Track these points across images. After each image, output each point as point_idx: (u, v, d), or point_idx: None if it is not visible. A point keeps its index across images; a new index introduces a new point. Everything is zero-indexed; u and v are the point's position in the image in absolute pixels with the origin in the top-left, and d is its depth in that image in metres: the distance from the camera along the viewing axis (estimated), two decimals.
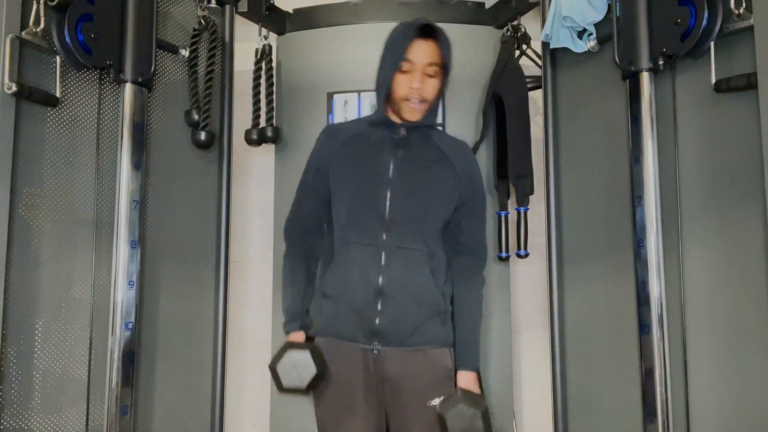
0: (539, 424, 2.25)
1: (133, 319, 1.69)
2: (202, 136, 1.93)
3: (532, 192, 2.06)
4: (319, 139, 1.69)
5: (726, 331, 1.49)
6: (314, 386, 1.53)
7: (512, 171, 2.05)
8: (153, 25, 1.76)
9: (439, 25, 1.70)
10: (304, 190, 1.69)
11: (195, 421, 1.94)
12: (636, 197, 1.62)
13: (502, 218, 2.10)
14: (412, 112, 1.57)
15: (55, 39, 1.59)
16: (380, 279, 1.52)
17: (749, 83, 1.42)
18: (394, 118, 1.61)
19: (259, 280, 2.38)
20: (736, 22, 1.46)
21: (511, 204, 2.11)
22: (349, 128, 1.68)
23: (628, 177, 1.66)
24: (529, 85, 2.11)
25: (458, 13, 2.20)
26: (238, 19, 2.14)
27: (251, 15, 2.15)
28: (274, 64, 2.22)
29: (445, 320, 1.59)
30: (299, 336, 1.62)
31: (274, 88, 2.21)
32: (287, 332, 1.64)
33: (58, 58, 1.60)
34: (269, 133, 2.18)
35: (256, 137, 2.18)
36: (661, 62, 1.58)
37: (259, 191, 2.46)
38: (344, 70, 2.16)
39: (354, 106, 2.16)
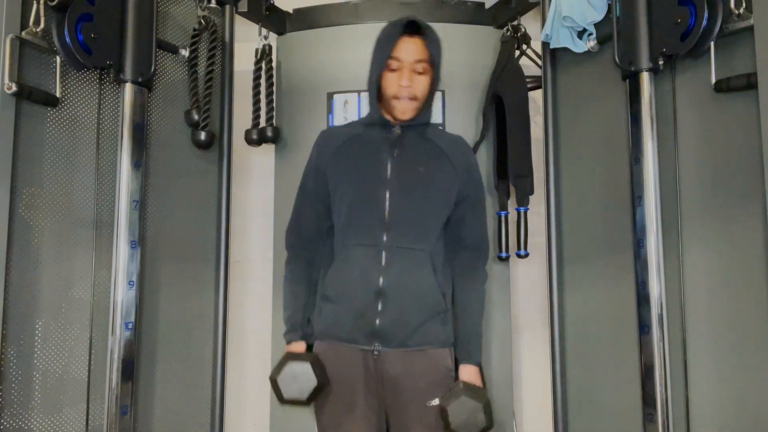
0: (539, 424, 2.25)
1: (133, 319, 1.69)
2: (202, 136, 1.93)
3: (532, 192, 2.06)
4: (315, 144, 1.69)
5: (726, 331, 1.49)
6: (315, 398, 1.53)
7: (512, 171, 2.05)
8: (153, 25, 1.76)
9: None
10: (304, 197, 1.69)
11: (195, 421, 1.94)
12: (636, 197, 1.62)
13: (502, 218, 2.10)
14: (404, 111, 1.57)
15: (55, 39, 1.59)
16: (381, 280, 1.52)
17: (749, 83, 1.42)
18: (389, 118, 1.61)
19: (259, 280, 2.38)
20: (736, 22, 1.46)
21: (511, 204, 2.11)
22: (345, 131, 1.68)
23: (628, 177, 1.66)
24: (529, 85, 2.12)
25: (458, 13, 2.20)
26: (238, 19, 2.14)
27: (251, 15, 2.15)
28: (274, 64, 2.22)
29: (446, 320, 1.59)
30: (300, 346, 1.62)
31: (274, 88, 2.21)
32: (288, 342, 1.63)
33: (58, 58, 1.60)
34: (269, 133, 2.18)
35: (256, 137, 2.18)
36: (661, 62, 1.58)
37: (259, 191, 2.46)
38: (344, 70, 2.16)
39: (354, 106, 2.16)
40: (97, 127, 1.70)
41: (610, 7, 1.72)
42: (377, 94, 1.60)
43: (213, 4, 2.03)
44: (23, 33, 1.52)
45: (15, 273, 1.51)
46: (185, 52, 1.94)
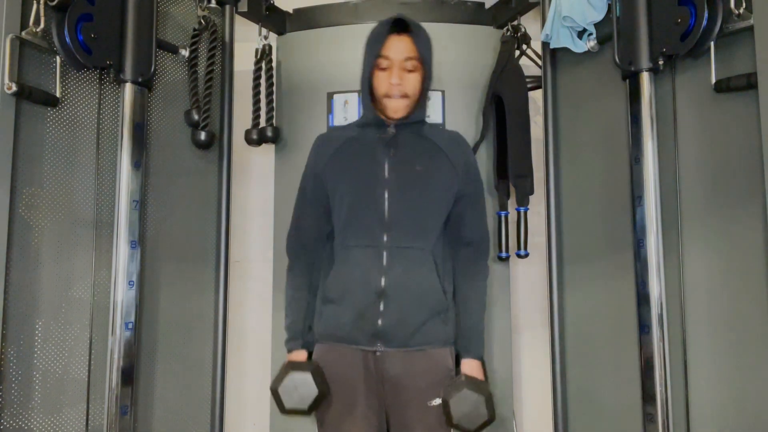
0: (539, 424, 2.25)
1: (133, 319, 1.69)
2: (202, 136, 1.93)
3: (532, 192, 2.06)
4: (312, 149, 1.69)
5: (726, 331, 1.49)
6: (316, 407, 1.53)
7: (512, 171, 2.05)
8: (153, 25, 1.77)
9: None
10: (303, 202, 1.69)
11: (195, 421, 1.94)
12: (636, 197, 1.62)
13: (502, 218, 2.10)
14: (395, 109, 1.57)
15: (55, 39, 1.59)
16: (382, 280, 1.52)
17: (749, 83, 1.42)
18: (383, 118, 1.61)
19: (259, 280, 2.38)
20: (736, 22, 1.46)
21: (511, 204, 2.11)
22: (341, 134, 1.68)
23: (628, 177, 1.66)
24: (529, 85, 2.12)
25: (458, 13, 2.20)
26: (238, 19, 2.14)
27: (251, 15, 2.15)
28: (274, 64, 2.22)
29: (447, 319, 1.58)
30: (301, 355, 1.61)
31: (274, 88, 2.21)
32: (289, 350, 1.63)
33: (58, 58, 1.60)
34: (269, 133, 2.18)
35: (256, 137, 2.18)
36: (661, 62, 1.58)
37: (259, 191, 2.46)
38: (344, 70, 2.16)
39: (354, 106, 2.16)
40: (97, 127, 1.70)
41: (610, 7, 1.72)
42: (370, 95, 1.60)
43: (213, 4, 2.03)
44: (23, 33, 1.52)
45: (15, 273, 1.51)
46: (185, 52, 1.94)
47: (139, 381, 1.75)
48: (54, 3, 1.55)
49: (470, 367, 1.57)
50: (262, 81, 2.20)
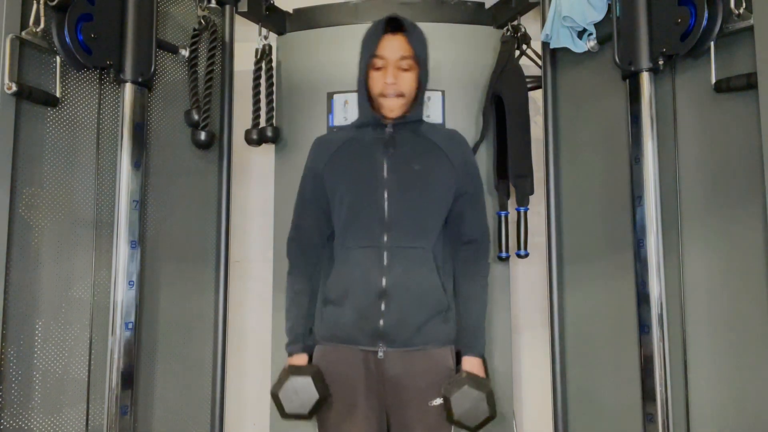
0: (539, 424, 2.25)
1: (133, 319, 1.69)
2: (202, 136, 1.93)
3: (532, 192, 2.06)
4: (311, 152, 1.70)
5: (726, 331, 1.49)
6: (316, 411, 1.53)
7: (512, 171, 2.04)
8: (153, 25, 1.77)
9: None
10: (303, 205, 1.69)
11: (195, 421, 1.94)
12: (636, 197, 1.62)
13: (502, 218, 2.10)
14: (391, 108, 1.58)
15: (55, 39, 1.59)
16: (383, 280, 1.52)
17: (749, 83, 1.42)
18: (380, 118, 1.61)
19: (259, 280, 2.38)
20: (736, 22, 1.46)
21: (511, 204, 2.11)
22: (339, 136, 1.69)
23: (628, 177, 1.66)
24: (529, 85, 2.11)
25: (458, 13, 2.20)
26: (238, 19, 2.14)
27: (251, 15, 2.15)
28: (274, 64, 2.22)
29: (448, 318, 1.59)
30: (301, 359, 1.62)
31: (274, 88, 2.21)
32: (289, 354, 1.63)
33: (58, 58, 1.60)
34: (269, 133, 2.18)
35: (256, 137, 2.18)
36: (661, 62, 1.58)
37: (259, 191, 2.46)
38: (344, 70, 2.16)
39: (354, 106, 2.14)
40: (97, 127, 1.70)
41: (610, 7, 1.72)
42: (367, 95, 1.60)
43: (213, 4, 2.03)
44: (23, 33, 1.52)
45: (15, 273, 1.51)
46: (185, 52, 1.94)
47: (139, 381, 1.75)
48: (54, 3, 1.55)
49: (471, 364, 1.57)
50: (262, 81, 2.20)
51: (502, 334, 2.12)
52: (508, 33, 2.12)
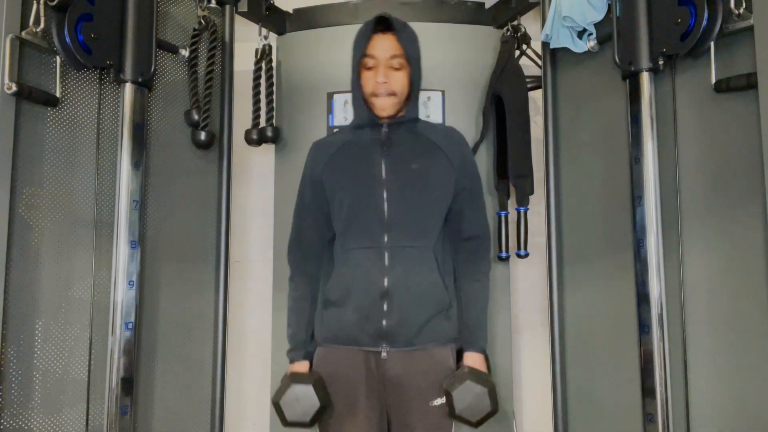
0: (539, 424, 2.25)
1: (133, 319, 1.69)
2: (202, 136, 1.93)
3: (532, 192, 2.06)
4: (308, 156, 1.69)
5: (726, 331, 1.49)
6: (318, 419, 1.53)
7: (512, 171, 2.04)
8: (153, 25, 1.77)
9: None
10: (303, 210, 1.69)
11: (195, 421, 1.94)
12: (636, 197, 1.62)
13: (502, 218, 2.10)
14: (383, 107, 1.58)
15: (55, 39, 1.59)
16: (385, 281, 1.52)
17: (749, 83, 1.42)
18: (375, 117, 1.61)
19: (259, 280, 2.38)
20: (736, 22, 1.46)
21: (511, 204, 2.11)
22: (336, 138, 1.69)
23: (628, 177, 1.66)
24: (529, 85, 2.11)
25: (458, 13, 2.20)
26: (238, 19, 2.14)
27: (251, 15, 2.15)
28: (274, 64, 2.22)
29: (450, 316, 1.59)
30: (303, 366, 1.61)
31: (274, 88, 2.21)
32: (291, 361, 1.63)
33: (58, 58, 1.60)
34: (269, 133, 2.18)
35: (256, 137, 2.18)
36: (661, 62, 1.58)
37: (259, 191, 2.46)
38: (344, 70, 2.14)
39: None
40: (97, 127, 1.70)
41: (610, 7, 1.72)
42: (361, 95, 1.60)
43: (213, 4, 2.03)
44: (23, 33, 1.52)
45: (15, 273, 1.51)
46: (185, 52, 1.94)
47: (139, 381, 1.75)
48: (54, 3, 1.55)
49: (473, 359, 1.57)
50: (262, 81, 2.20)
51: (502, 334, 2.12)
52: (508, 33, 2.12)
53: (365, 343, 1.53)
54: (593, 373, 1.79)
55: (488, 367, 1.60)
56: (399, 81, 1.57)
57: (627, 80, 1.66)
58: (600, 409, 1.76)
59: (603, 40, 1.77)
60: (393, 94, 1.57)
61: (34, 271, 1.56)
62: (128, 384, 1.67)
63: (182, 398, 1.91)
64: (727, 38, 1.49)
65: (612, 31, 1.67)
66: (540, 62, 2.01)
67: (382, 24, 1.57)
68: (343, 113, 2.16)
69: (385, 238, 1.54)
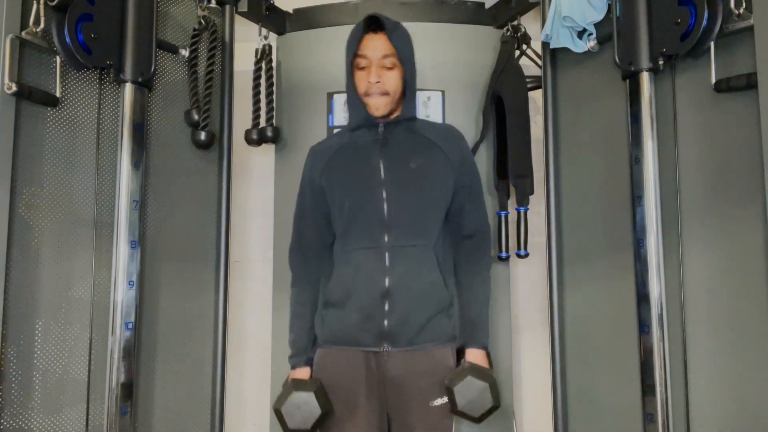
0: (539, 424, 2.25)
1: (133, 319, 1.69)
2: (202, 136, 1.93)
3: (532, 192, 2.06)
4: (307, 161, 1.70)
5: (726, 331, 1.49)
6: (319, 426, 1.54)
7: (512, 171, 2.04)
8: (153, 25, 1.77)
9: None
10: (303, 214, 1.69)
11: (195, 421, 1.94)
12: (636, 197, 1.62)
13: (502, 218, 2.10)
14: (377, 107, 1.58)
15: (55, 39, 1.59)
16: (386, 280, 1.52)
17: (749, 83, 1.42)
18: (371, 117, 1.61)
19: (259, 280, 2.38)
20: (736, 22, 1.46)
21: (511, 204, 2.11)
22: (334, 142, 1.69)
23: (628, 177, 1.66)
24: (529, 85, 2.11)
25: (458, 13, 2.20)
26: (238, 19, 2.14)
27: (251, 15, 2.15)
28: (274, 64, 2.22)
29: (450, 314, 1.59)
30: (304, 372, 1.61)
31: (274, 88, 2.21)
32: (292, 366, 1.63)
33: (58, 58, 1.60)
34: (269, 133, 2.18)
35: (256, 137, 2.18)
36: (661, 62, 1.58)
37: (259, 191, 2.46)
38: (344, 70, 2.16)
39: None
40: (97, 127, 1.70)
41: (610, 7, 1.72)
42: (356, 96, 1.60)
43: (213, 4, 2.03)
44: (23, 33, 1.52)
45: (15, 273, 1.51)
46: (185, 52, 1.94)
47: (139, 381, 1.75)
48: (54, 3, 1.55)
49: (475, 355, 1.57)
50: (262, 81, 2.20)
51: (502, 334, 2.12)
52: (508, 33, 2.12)
53: (366, 343, 1.53)
54: (593, 372, 1.79)
55: (490, 364, 1.61)
56: (392, 80, 1.58)
57: (627, 80, 1.66)
58: (600, 409, 1.76)
59: (603, 40, 1.77)
60: (386, 93, 1.57)
61: (34, 271, 1.56)
62: (128, 384, 1.67)
63: (182, 398, 1.91)
64: (727, 38, 1.49)
65: (612, 31, 1.67)
66: (540, 62, 2.01)
67: (374, 24, 1.57)
68: (343, 113, 2.16)
69: (386, 238, 1.54)
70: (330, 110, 2.17)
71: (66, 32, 1.58)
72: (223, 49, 2.08)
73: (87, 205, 1.68)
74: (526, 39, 2.10)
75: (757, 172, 1.39)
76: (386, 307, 1.52)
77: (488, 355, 1.61)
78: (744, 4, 1.44)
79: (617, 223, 1.71)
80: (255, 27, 2.19)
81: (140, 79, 1.73)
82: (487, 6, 2.25)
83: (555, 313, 1.88)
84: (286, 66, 2.27)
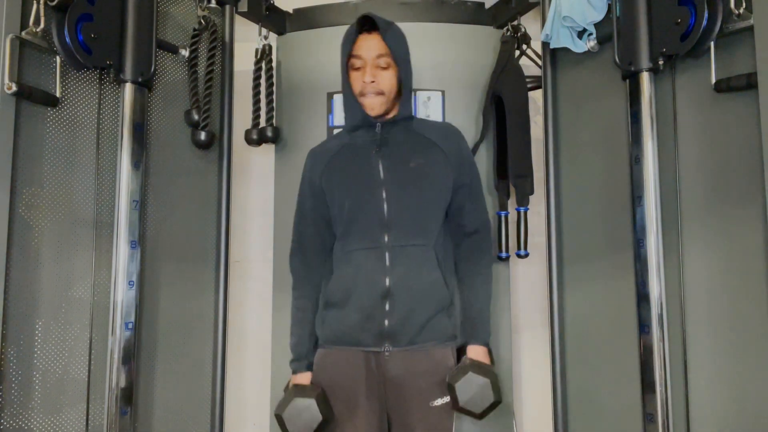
0: (539, 424, 2.25)
1: (133, 319, 1.69)
2: (202, 136, 1.93)
3: (532, 192, 2.06)
4: (306, 164, 1.70)
5: (726, 331, 1.49)
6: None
7: (512, 171, 2.04)
8: (153, 25, 1.77)
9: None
10: (303, 217, 1.69)
11: (195, 421, 1.94)
12: (636, 197, 1.62)
13: (502, 218, 2.10)
14: (372, 107, 1.58)
15: (55, 39, 1.59)
16: (387, 280, 1.52)
17: (749, 83, 1.42)
18: (368, 117, 1.61)
19: (259, 280, 2.38)
20: (736, 22, 1.46)
21: (511, 204, 2.11)
22: (332, 143, 1.70)
23: (628, 177, 1.66)
24: (529, 85, 2.11)
25: (458, 13, 2.20)
26: (238, 19, 2.14)
27: (251, 15, 2.15)
28: (274, 64, 2.22)
29: (451, 313, 1.59)
30: (305, 378, 1.61)
31: (274, 88, 2.21)
32: (293, 371, 1.63)
33: (58, 58, 1.60)
34: (269, 133, 2.18)
35: (256, 137, 2.18)
36: (661, 62, 1.58)
37: (259, 191, 2.46)
38: None
39: None
40: (97, 127, 1.70)
41: (610, 7, 1.71)
42: (352, 96, 1.61)
43: (213, 4, 2.03)
44: (23, 33, 1.52)
45: (15, 273, 1.51)
46: (185, 52, 1.94)
47: (139, 381, 1.75)
48: (54, 3, 1.55)
49: (476, 352, 1.58)
50: (262, 81, 2.20)
51: (503, 334, 2.12)
52: (508, 33, 2.12)
53: (367, 343, 1.53)
54: (593, 372, 1.79)
55: (492, 360, 1.61)
56: (386, 80, 1.58)
57: (627, 80, 1.66)
58: (600, 409, 1.76)
59: (603, 40, 1.77)
60: (381, 93, 1.58)
61: (34, 271, 1.56)
62: (128, 384, 1.67)
63: (182, 398, 1.91)
64: (727, 38, 1.49)
65: (612, 31, 1.67)
66: (540, 62, 2.01)
67: (367, 24, 1.57)
68: (343, 113, 2.15)
69: (386, 238, 1.55)
70: (330, 110, 2.17)
71: (66, 32, 1.58)
72: (223, 49, 2.08)
73: (87, 205, 1.68)
74: (526, 39, 2.10)
75: (757, 172, 1.39)
76: (387, 306, 1.52)
77: (490, 351, 1.62)
78: (744, 4, 1.44)
79: (617, 223, 1.71)
80: (255, 27, 2.19)
81: (140, 79, 1.73)
82: (487, 6, 2.25)
83: (555, 313, 1.88)
84: (286, 66, 2.27)
